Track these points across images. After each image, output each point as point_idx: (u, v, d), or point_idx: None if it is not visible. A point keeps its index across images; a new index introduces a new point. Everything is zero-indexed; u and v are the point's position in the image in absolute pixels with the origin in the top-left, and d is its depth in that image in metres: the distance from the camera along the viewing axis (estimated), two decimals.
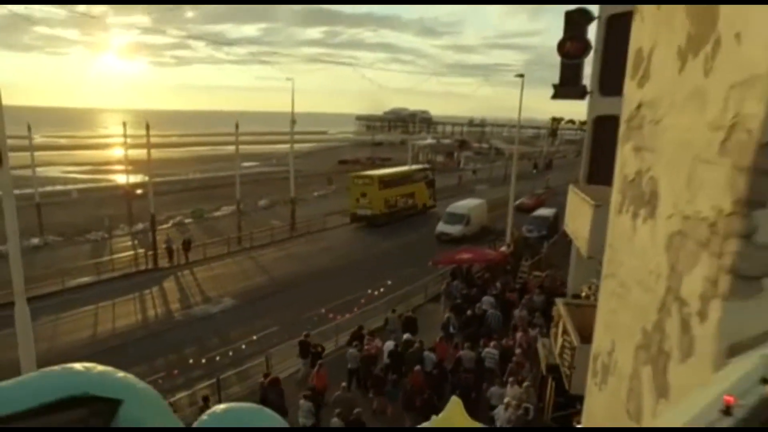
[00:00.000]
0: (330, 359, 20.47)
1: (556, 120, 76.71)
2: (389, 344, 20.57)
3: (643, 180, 6.12)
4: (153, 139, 61.08)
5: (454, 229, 42.89)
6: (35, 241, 38.32)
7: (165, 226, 41.39)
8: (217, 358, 20.45)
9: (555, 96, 22.65)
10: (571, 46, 21.33)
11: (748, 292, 3.70)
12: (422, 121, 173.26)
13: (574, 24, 21.31)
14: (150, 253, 34.37)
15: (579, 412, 11.93)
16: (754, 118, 3.58)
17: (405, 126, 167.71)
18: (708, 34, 4.52)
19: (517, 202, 48.20)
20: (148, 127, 37.74)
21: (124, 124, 53.42)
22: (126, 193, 48.30)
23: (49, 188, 57.17)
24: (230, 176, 67.97)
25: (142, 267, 33.84)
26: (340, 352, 21.49)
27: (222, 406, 3.49)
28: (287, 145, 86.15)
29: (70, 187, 62.16)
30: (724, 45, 4.20)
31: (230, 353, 20.60)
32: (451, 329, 23.08)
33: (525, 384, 18.30)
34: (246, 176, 50.91)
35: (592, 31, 20.65)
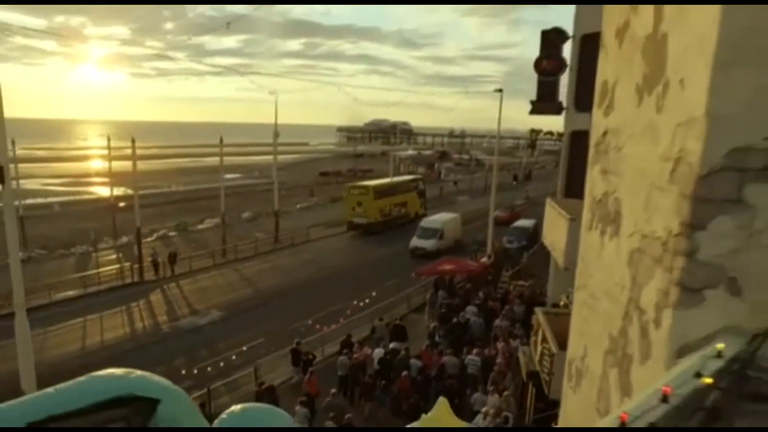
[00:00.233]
0: (318, 368, 20.90)
1: (535, 132, 78.01)
2: (379, 351, 21.09)
3: (609, 201, 6.77)
4: (129, 151, 61.09)
5: (428, 244, 42.50)
6: (20, 254, 38.00)
7: (149, 239, 41.42)
8: (209, 368, 20.77)
9: (532, 111, 23.49)
10: (548, 64, 22.16)
11: (692, 302, 4.30)
12: (403, 132, 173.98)
13: (550, 43, 22.13)
14: (136, 266, 34.58)
15: (557, 415, 12.53)
16: (694, 154, 4.21)
17: (386, 137, 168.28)
18: (659, 76, 5.17)
19: (494, 214, 48.82)
20: (133, 141, 37.84)
21: (108, 138, 53.50)
22: (110, 206, 48.37)
23: (30, 201, 56.83)
24: (213, 189, 68.00)
25: (128, 280, 33.98)
26: (327, 362, 21.92)
27: (238, 406, 4.01)
28: (269, 157, 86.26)
29: (51, 200, 61.89)
30: (671, 88, 4.85)
31: (221, 363, 20.93)
32: (437, 337, 23.67)
33: (505, 393, 18.88)
34: (229, 188, 51.14)
35: (568, 50, 21.48)
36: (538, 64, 22.38)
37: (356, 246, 44.26)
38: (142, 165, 61.11)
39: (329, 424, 17.12)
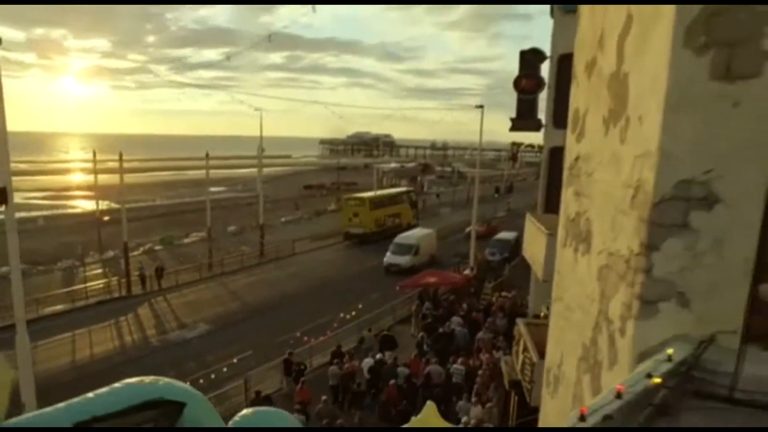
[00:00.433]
0: (308, 378, 21.29)
1: (516, 145, 78.92)
2: (368, 361, 21.56)
3: (581, 221, 7.40)
4: (113, 164, 61.07)
5: (403, 260, 41.79)
6: (4, 269, 37.99)
7: (135, 253, 41.49)
8: (201, 380, 21.06)
9: (512, 129, 24.28)
10: (526, 83, 22.95)
11: (649, 314, 4.91)
12: (385, 144, 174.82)
13: (528, 62, 22.96)
14: (123, 280, 34.73)
15: (537, 420, 13.09)
16: (649, 183, 4.83)
17: (368, 149, 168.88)
18: (622, 111, 5.81)
19: (467, 230, 49.38)
20: (121, 156, 38.01)
21: (94, 152, 53.54)
22: (95, 220, 48.34)
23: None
24: (197, 202, 68.04)
25: (116, 294, 34.12)
26: (316, 372, 22.30)
27: (250, 409, 4.53)
28: (253, 170, 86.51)
29: (35, 213, 61.55)
30: (632, 123, 5.48)
31: (212, 376, 21.25)
32: (425, 347, 24.22)
33: (488, 405, 19.46)
34: (213, 202, 51.31)
35: (546, 69, 22.25)
36: (517, 83, 23.17)
37: (341, 259, 44.70)
38: (125, 178, 61.10)
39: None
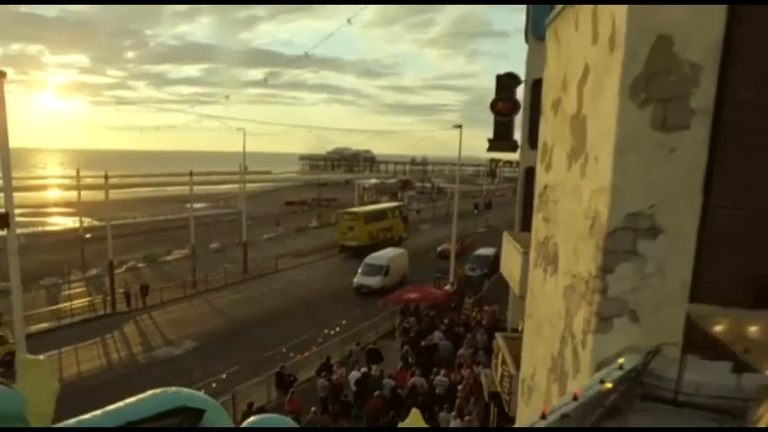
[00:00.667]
0: (296, 390, 21.66)
1: (494, 161, 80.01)
2: (354, 374, 22.12)
3: (549, 244, 8.16)
4: (92, 180, 61.02)
5: (373, 281, 40.75)
6: None
7: (119, 271, 41.48)
8: None
9: (490, 149, 25.23)
10: (503, 106, 23.89)
11: (606, 329, 5.64)
12: (365, 160, 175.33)
13: (504, 86, 23.93)
14: (108, 298, 34.87)
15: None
16: (603, 215, 5.58)
17: (349, 165, 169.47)
18: (582, 149, 6.58)
19: (439, 249, 50.05)
20: (107, 176, 38.29)
21: (78, 170, 53.53)
22: (77, 237, 48.41)
23: None
24: (179, 219, 68.13)
25: (101, 312, 34.18)
26: (303, 386, 22.69)
27: (256, 417, 5.20)
28: (233, 186, 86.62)
29: (19, 231, 60.41)
30: (590, 161, 6.25)
31: (202, 391, 21.49)
32: (410, 360, 24.85)
33: (467, 419, 20.13)
34: (195, 219, 51.57)
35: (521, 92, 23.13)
36: (494, 106, 24.11)
37: (324, 276, 45.12)
38: (100, 194, 60.95)
39: None
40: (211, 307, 35.77)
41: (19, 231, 64.13)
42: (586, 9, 6.59)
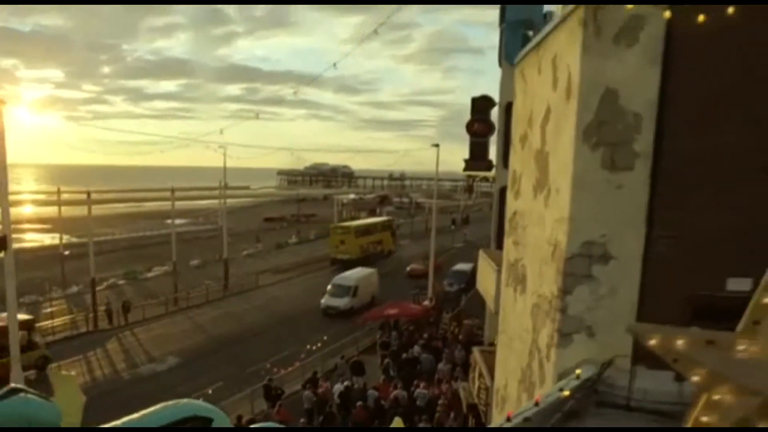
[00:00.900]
0: (283, 403, 22.01)
1: (471, 176, 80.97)
2: (338, 387, 22.62)
3: (519, 266, 8.90)
4: (67, 196, 60.75)
5: (341, 302, 39.24)
6: None
7: (99, 288, 41.44)
8: None
9: (465, 169, 26.06)
10: (478, 127, 24.72)
11: (566, 343, 6.37)
12: (343, 175, 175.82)
13: (479, 108, 24.76)
14: (90, 315, 34.86)
15: None
16: (563, 243, 6.31)
17: (326, 180, 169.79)
18: (545, 182, 7.33)
19: (408, 268, 50.43)
20: (89, 194, 38.32)
21: (59, 189, 53.29)
22: (57, 254, 48.23)
23: None
24: (158, 235, 68.06)
25: (83, 329, 34.08)
26: (288, 400, 23.01)
27: (257, 425, 5.87)
28: (212, 201, 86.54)
29: None
30: (552, 193, 7.00)
31: None
32: (391, 372, 25.40)
33: None
34: (175, 235, 51.68)
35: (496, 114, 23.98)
36: (469, 127, 24.93)
37: (305, 292, 45.29)
38: (77, 211, 60.48)
39: None
40: (193, 324, 35.89)
41: None
42: (548, 56, 7.37)
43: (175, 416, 5.33)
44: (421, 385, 22.94)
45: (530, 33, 23.01)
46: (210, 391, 19.82)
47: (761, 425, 4.20)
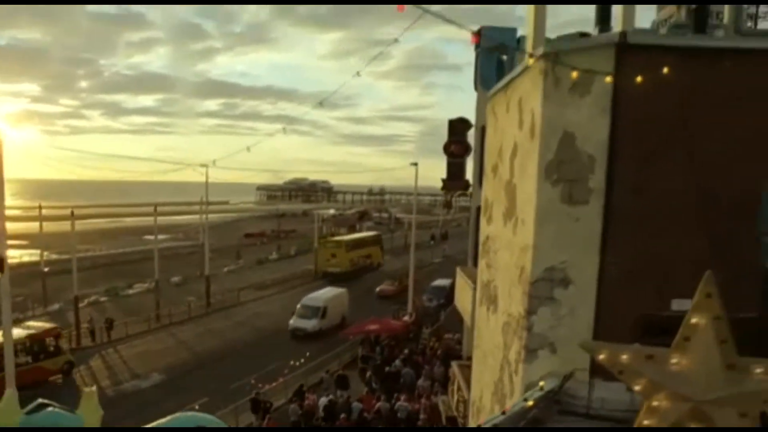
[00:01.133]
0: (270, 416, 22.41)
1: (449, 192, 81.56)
2: (323, 400, 23.08)
3: (491, 286, 9.63)
4: (47, 211, 60.42)
5: (309, 324, 37.50)
6: None
7: (81, 305, 41.38)
8: None
9: (443, 188, 26.89)
10: (455, 148, 25.51)
11: (532, 358, 7.07)
12: (323, 190, 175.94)
13: (456, 130, 25.57)
14: (73, 332, 34.83)
15: None
16: (528, 268, 7.04)
17: (306, 195, 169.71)
18: (513, 212, 8.06)
19: (378, 289, 50.39)
20: (72, 213, 38.48)
21: (40, 206, 53.16)
22: (36, 271, 47.93)
23: None
24: (138, 252, 67.73)
25: (66, 347, 33.94)
26: (275, 413, 23.36)
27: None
28: (193, 217, 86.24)
29: None
30: (518, 223, 7.73)
31: None
32: (373, 385, 25.92)
33: None
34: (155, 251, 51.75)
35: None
36: (446, 148, 25.71)
37: (285, 307, 45.32)
38: (55, 226, 60.16)
39: None
40: (176, 340, 36.00)
41: None
42: (515, 98, 8.14)
43: (188, 425, 5.98)
44: (402, 397, 23.54)
45: (504, 57, 24.12)
46: (197, 407, 20.12)
47: (692, 426, 4.93)
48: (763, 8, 10.22)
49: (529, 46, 7.59)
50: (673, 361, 4.91)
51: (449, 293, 42.82)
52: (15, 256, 72.68)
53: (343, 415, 21.86)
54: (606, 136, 6.31)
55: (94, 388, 5.84)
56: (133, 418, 22.05)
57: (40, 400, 5.29)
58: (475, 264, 21.12)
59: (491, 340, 9.42)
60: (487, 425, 5.59)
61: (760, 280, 6.35)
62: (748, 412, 4.80)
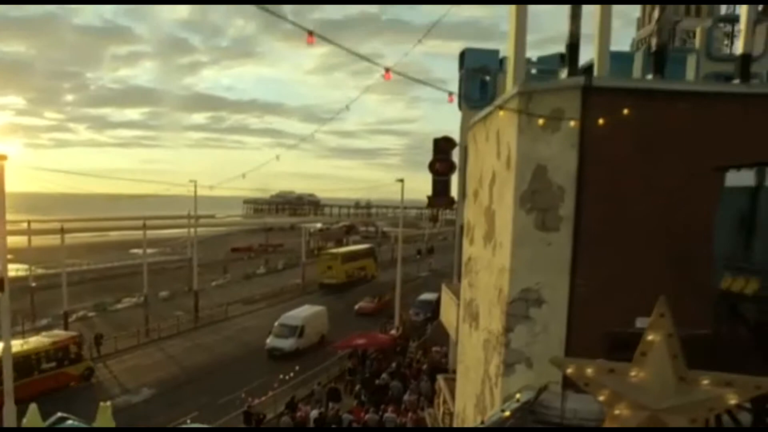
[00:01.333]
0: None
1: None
2: (314, 413, 23.48)
3: (473, 305, 10.20)
4: (36, 225, 60.26)
5: (287, 344, 36.49)
6: None
7: (69, 320, 41.46)
8: None
9: (429, 205, 27.56)
10: (440, 166, 26.19)
11: (510, 372, 7.64)
12: (310, 203, 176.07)
13: (441, 148, 26.25)
14: None
15: None
16: (505, 288, 7.62)
17: (293, 209, 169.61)
18: (492, 236, 8.65)
19: (357, 307, 50.39)
20: (63, 229, 38.68)
21: (29, 222, 53.28)
22: (22, 286, 47.81)
23: None
24: (125, 266, 67.71)
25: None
26: (265, 425, 23.69)
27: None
28: (180, 230, 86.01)
29: None
30: (497, 246, 8.32)
31: None
32: (363, 398, 26.35)
33: None
34: (141, 266, 51.75)
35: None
36: (432, 166, 26.39)
37: (274, 322, 45.72)
38: (42, 240, 60.11)
39: None
40: (165, 355, 36.14)
41: None
42: (493, 129, 8.75)
43: None
44: (389, 409, 24.06)
45: (487, 78, 24.89)
46: (189, 420, 20.42)
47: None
48: (738, 27, 10.82)
49: (509, 78, 8.24)
50: (632, 374, 5.49)
51: (436, 307, 43.20)
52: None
53: (333, 427, 22.34)
54: (575, 169, 6.92)
55: (109, 403, 6.36)
56: None
57: (59, 414, 5.76)
58: (460, 280, 21.71)
59: (473, 355, 9.97)
60: None
61: (712, 299, 6.97)
62: (697, 418, 5.40)
